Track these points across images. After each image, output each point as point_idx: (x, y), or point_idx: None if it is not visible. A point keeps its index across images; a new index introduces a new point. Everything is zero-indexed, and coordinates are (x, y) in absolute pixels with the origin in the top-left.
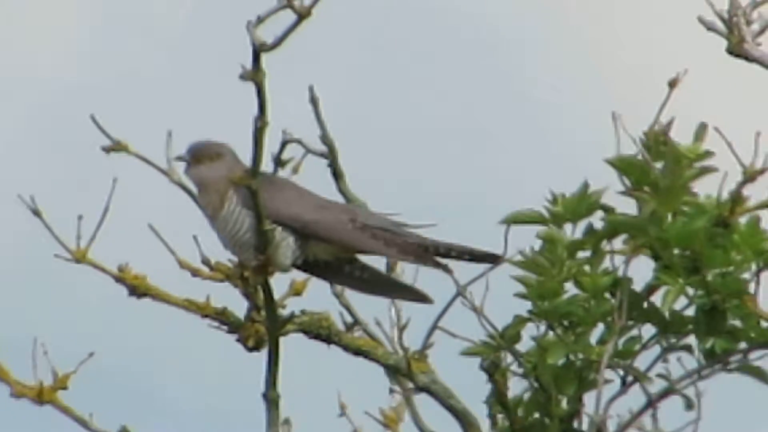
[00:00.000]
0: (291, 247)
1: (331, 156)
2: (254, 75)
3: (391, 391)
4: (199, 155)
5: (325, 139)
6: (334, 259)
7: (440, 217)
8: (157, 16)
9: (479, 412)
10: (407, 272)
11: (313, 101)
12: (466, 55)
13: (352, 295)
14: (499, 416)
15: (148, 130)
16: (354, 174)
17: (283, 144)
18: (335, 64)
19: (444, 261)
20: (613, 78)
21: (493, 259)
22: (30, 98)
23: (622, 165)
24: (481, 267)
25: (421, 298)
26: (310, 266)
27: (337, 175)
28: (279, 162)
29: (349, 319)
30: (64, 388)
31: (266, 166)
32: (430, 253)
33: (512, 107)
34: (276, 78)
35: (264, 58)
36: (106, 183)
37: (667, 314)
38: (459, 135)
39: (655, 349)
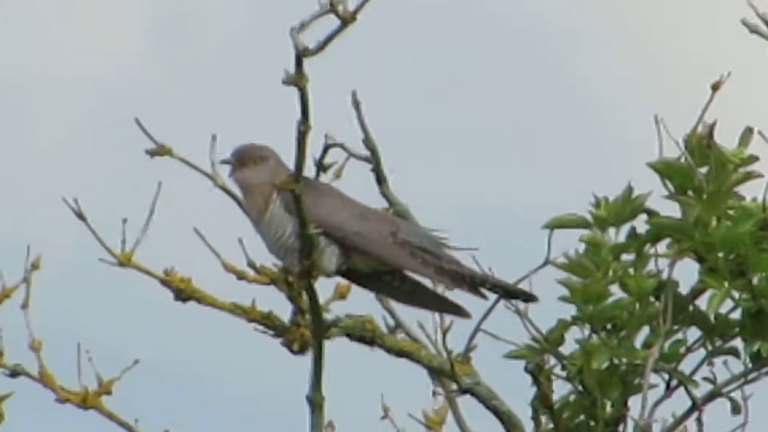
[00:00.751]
0: (335, 252)
1: (374, 160)
2: (297, 80)
3: (434, 393)
4: (244, 158)
5: (368, 143)
6: (374, 270)
7: (486, 217)
8: (203, 21)
9: (523, 415)
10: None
11: (356, 105)
12: (518, 55)
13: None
14: (543, 419)
15: (192, 134)
16: (404, 177)
17: (326, 148)
18: (385, 66)
19: (481, 270)
20: (662, 78)
21: (527, 298)
22: (75, 101)
23: (665, 169)
24: (524, 269)
25: (459, 312)
26: (351, 274)
27: (380, 179)
28: (321, 166)
29: (391, 322)
30: (109, 393)
31: (309, 170)
32: (465, 282)
33: (565, 108)
34: (323, 81)
35: (306, 62)
36: (151, 186)
37: (712, 318)
38: (508, 135)
39: (701, 353)
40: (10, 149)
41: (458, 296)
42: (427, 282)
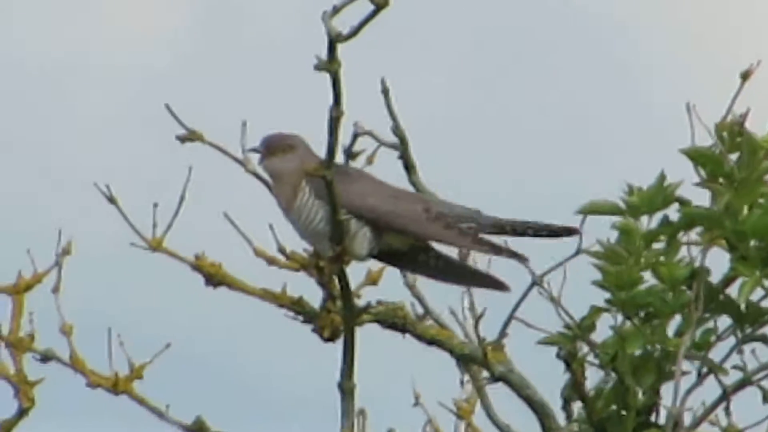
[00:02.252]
0: (367, 237)
1: (402, 148)
2: (329, 65)
3: (463, 382)
4: (273, 147)
5: (396, 130)
6: (409, 248)
7: (521, 205)
8: (236, 7)
9: (554, 403)
10: (481, 262)
11: (385, 93)
12: (566, 45)
13: (424, 287)
14: (574, 407)
15: (224, 120)
16: (442, 165)
17: (355, 136)
18: (437, 53)
19: (519, 251)
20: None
21: (570, 232)
22: (111, 88)
23: (697, 156)
24: (558, 256)
25: (497, 285)
26: (384, 255)
27: (408, 166)
28: (350, 154)
29: (420, 310)
30: (140, 378)
31: (338, 157)
32: (507, 232)
33: (610, 97)
34: (364, 67)
35: (339, 48)
36: (182, 172)
37: (743, 306)
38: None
39: (731, 341)
40: (45, 135)
41: (495, 273)
42: (460, 259)
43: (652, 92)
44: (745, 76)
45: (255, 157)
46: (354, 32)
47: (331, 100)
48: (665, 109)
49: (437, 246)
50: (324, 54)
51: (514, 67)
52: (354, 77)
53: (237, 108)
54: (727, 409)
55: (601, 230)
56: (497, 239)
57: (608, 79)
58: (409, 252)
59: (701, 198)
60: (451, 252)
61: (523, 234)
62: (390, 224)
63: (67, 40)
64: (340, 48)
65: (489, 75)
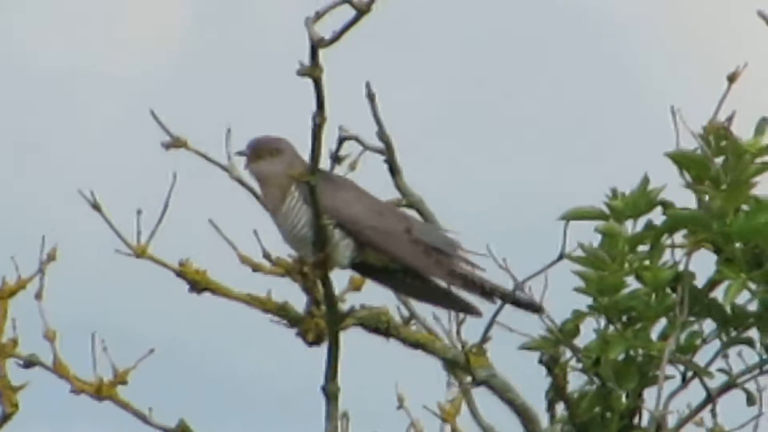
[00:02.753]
0: (350, 245)
1: (388, 152)
2: (312, 71)
3: (449, 384)
4: (260, 151)
5: (382, 135)
6: (385, 265)
7: (504, 207)
8: (213, 13)
9: (538, 407)
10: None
11: (370, 97)
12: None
13: None
14: (558, 410)
15: (208, 126)
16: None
17: (341, 140)
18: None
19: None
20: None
21: (536, 309)
22: (96, 94)
23: (682, 159)
24: (540, 262)
25: (470, 310)
26: (363, 268)
27: (393, 171)
28: (336, 158)
29: (406, 313)
30: (124, 383)
31: (324, 162)
32: (476, 288)
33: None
34: (345, 72)
35: (322, 53)
36: (166, 178)
37: (728, 309)
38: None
39: (716, 344)
40: (35, 139)
41: (469, 295)
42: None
43: (650, 93)
44: (731, 78)
45: (241, 161)
46: (336, 37)
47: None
48: (661, 111)
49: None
50: (307, 59)
51: (504, 67)
52: (342, 81)
53: (224, 113)
54: (712, 412)
55: (586, 235)
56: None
57: (604, 80)
58: (385, 269)
59: (684, 202)
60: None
61: (488, 295)
62: (369, 239)
63: (61, 47)
64: (324, 53)
65: (480, 75)
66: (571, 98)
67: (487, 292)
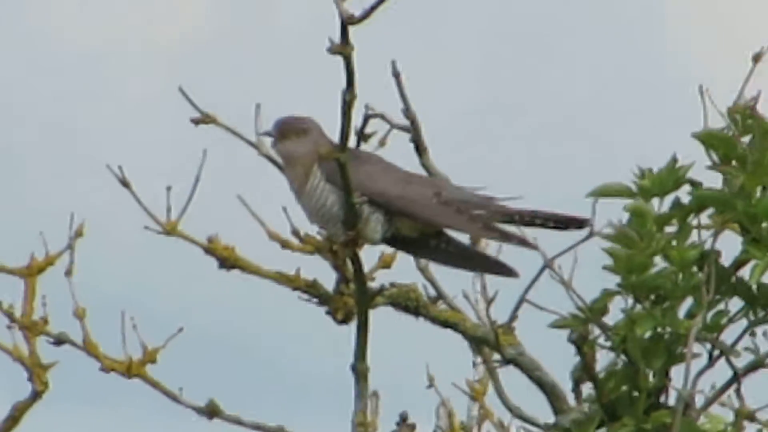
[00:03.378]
0: (380, 221)
1: (414, 130)
2: (342, 48)
3: (475, 363)
4: (286, 131)
5: (407, 113)
6: (419, 234)
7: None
8: None
9: (566, 385)
10: (492, 245)
11: (396, 75)
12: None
13: (436, 270)
14: (584, 389)
15: (236, 103)
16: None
17: (366, 118)
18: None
19: (529, 237)
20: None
21: (579, 224)
22: (122, 72)
23: (708, 139)
24: (569, 240)
25: (507, 271)
26: (396, 240)
27: (420, 149)
28: (362, 136)
29: (432, 292)
30: (153, 361)
31: (350, 140)
32: (515, 221)
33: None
34: (373, 50)
35: (352, 31)
36: (195, 154)
37: (755, 288)
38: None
39: (743, 323)
40: (66, 117)
41: (506, 256)
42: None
43: (675, 72)
44: (756, 58)
45: (268, 141)
46: (366, 15)
47: (343, 83)
48: (688, 91)
49: (448, 231)
50: (337, 37)
51: (532, 46)
52: (370, 61)
53: (254, 91)
54: (738, 391)
55: (613, 213)
56: (507, 227)
57: (632, 60)
58: (419, 238)
59: (711, 182)
60: (462, 238)
61: (530, 223)
62: (400, 208)
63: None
64: (354, 31)
65: (509, 53)
66: (598, 78)
67: (528, 221)
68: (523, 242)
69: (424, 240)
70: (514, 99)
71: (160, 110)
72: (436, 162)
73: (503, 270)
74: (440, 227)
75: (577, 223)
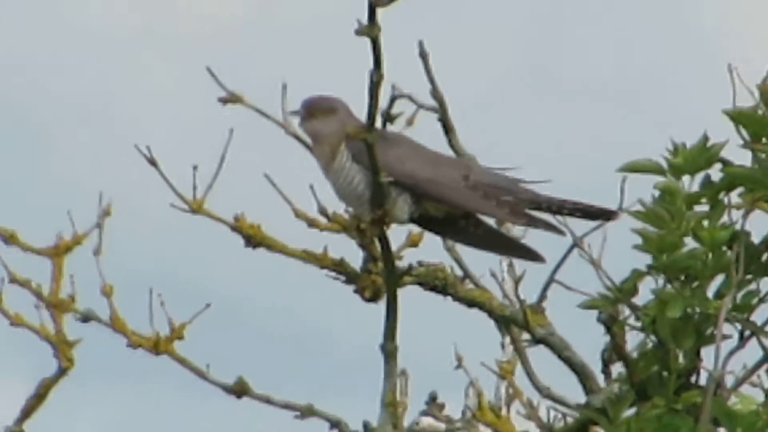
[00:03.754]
0: (407, 201)
1: (441, 111)
2: (369, 30)
3: (504, 344)
4: (313, 110)
5: (435, 94)
6: (446, 215)
7: (562, 167)
8: None
9: (595, 366)
10: (519, 229)
11: (423, 56)
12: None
13: (463, 250)
14: (613, 370)
15: (265, 83)
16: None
17: (393, 99)
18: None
19: (556, 222)
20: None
21: (608, 216)
22: (149, 54)
23: (739, 117)
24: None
25: (533, 256)
26: (423, 221)
27: (447, 129)
28: (388, 117)
29: (459, 272)
30: (181, 338)
31: (377, 121)
32: (543, 209)
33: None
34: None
35: (380, 12)
36: (222, 133)
37: None
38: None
39: None
40: (98, 99)
41: (535, 235)
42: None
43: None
44: None
45: (295, 120)
46: None
47: (371, 64)
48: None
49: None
50: (365, 18)
51: (560, 26)
52: (398, 39)
53: (281, 71)
54: None
55: (642, 190)
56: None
57: (666, 38)
58: (447, 218)
59: (741, 160)
60: (490, 220)
61: (558, 212)
62: (427, 191)
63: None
64: (382, 12)
65: (538, 34)
66: (628, 56)
67: (555, 209)
68: (551, 227)
69: (451, 221)
70: (543, 77)
71: (190, 91)
72: (467, 139)
73: (530, 255)
74: (467, 211)
75: (605, 215)
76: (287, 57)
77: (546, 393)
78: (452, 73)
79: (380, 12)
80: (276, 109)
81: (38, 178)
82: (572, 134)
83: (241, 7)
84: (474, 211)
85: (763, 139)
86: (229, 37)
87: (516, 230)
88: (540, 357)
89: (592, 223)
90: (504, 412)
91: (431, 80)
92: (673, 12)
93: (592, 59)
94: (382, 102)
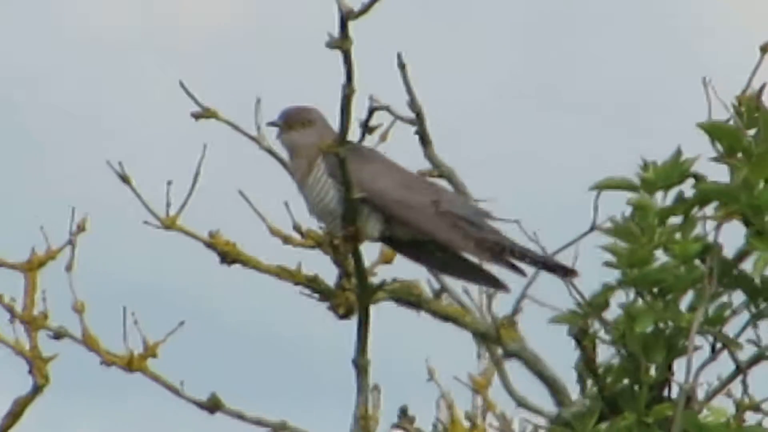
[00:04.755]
0: (379, 218)
1: (419, 122)
2: (341, 43)
3: (480, 356)
4: (292, 121)
5: (413, 105)
6: (414, 238)
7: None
8: None
9: (567, 379)
10: None
11: (401, 67)
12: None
13: None
14: (589, 382)
15: (237, 97)
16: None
17: (371, 111)
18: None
19: (519, 265)
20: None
21: (566, 273)
22: (123, 68)
23: (713, 131)
24: (571, 234)
25: (497, 284)
26: (393, 242)
27: (425, 141)
28: (366, 128)
29: (436, 286)
30: (154, 356)
31: (354, 132)
32: (506, 253)
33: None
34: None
35: (351, 25)
36: (195, 149)
37: (758, 280)
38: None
39: (745, 316)
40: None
41: (498, 269)
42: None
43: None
44: (764, 49)
45: (271, 133)
46: (365, 9)
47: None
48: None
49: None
50: (336, 31)
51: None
52: (379, 52)
53: (254, 85)
54: (743, 383)
55: (617, 206)
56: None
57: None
58: (414, 242)
59: (716, 173)
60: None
61: (518, 258)
62: (396, 213)
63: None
64: (353, 25)
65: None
66: (605, 71)
67: (518, 256)
68: (513, 269)
69: (419, 244)
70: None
71: (160, 106)
72: (462, 152)
73: (494, 283)
74: (432, 239)
75: (563, 272)
76: (259, 69)
77: (522, 403)
78: (449, 84)
79: (352, 25)
80: (250, 123)
81: (12, 193)
82: (571, 148)
83: (214, 21)
84: (439, 239)
85: (738, 154)
86: (197, 51)
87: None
88: (517, 368)
89: (565, 239)
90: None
91: (409, 91)
92: (673, 29)
93: (594, 74)
94: (359, 114)
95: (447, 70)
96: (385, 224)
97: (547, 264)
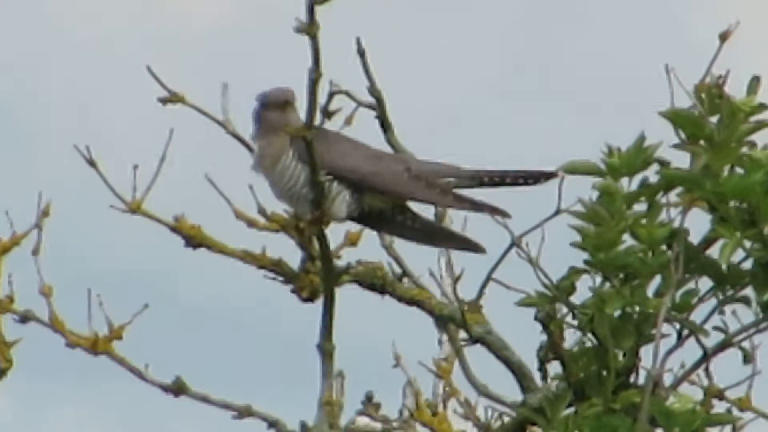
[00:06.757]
0: (346, 199)
1: (379, 108)
2: (308, 28)
3: (441, 342)
4: (270, 103)
5: (373, 90)
6: (388, 208)
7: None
8: None
9: (532, 364)
10: (457, 223)
11: (361, 53)
12: None
13: (402, 248)
14: (550, 369)
15: (204, 82)
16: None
17: (330, 95)
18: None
19: (500, 207)
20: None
21: (548, 176)
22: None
23: (676, 118)
24: (537, 217)
25: (473, 247)
26: (362, 217)
27: (385, 126)
28: (326, 113)
29: (398, 270)
30: (119, 338)
31: (316, 118)
32: (486, 183)
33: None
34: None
35: (318, 10)
36: (162, 133)
37: (724, 267)
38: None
39: (712, 302)
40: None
41: (473, 234)
42: (437, 220)
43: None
44: (723, 37)
45: (236, 117)
46: None
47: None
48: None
49: (414, 207)
50: (304, 16)
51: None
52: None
53: (222, 70)
54: (707, 370)
55: (581, 191)
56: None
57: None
58: (386, 213)
59: (680, 160)
60: (428, 214)
61: (502, 182)
62: (372, 185)
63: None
64: (320, 10)
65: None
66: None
67: (498, 181)
68: (494, 210)
69: (390, 216)
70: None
71: (127, 90)
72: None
73: (470, 245)
74: (413, 201)
75: (546, 176)
76: (228, 53)
77: (483, 391)
78: (439, 76)
79: (319, 10)
80: (216, 108)
81: None
82: (560, 139)
83: (183, 5)
84: (418, 200)
85: (701, 141)
86: (167, 34)
87: (455, 224)
88: (478, 355)
89: (532, 222)
90: (441, 410)
91: (369, 77)
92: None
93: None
94: (322, 99)
95: (437, 61)
96: (354, 204)
97: (529, 175)
